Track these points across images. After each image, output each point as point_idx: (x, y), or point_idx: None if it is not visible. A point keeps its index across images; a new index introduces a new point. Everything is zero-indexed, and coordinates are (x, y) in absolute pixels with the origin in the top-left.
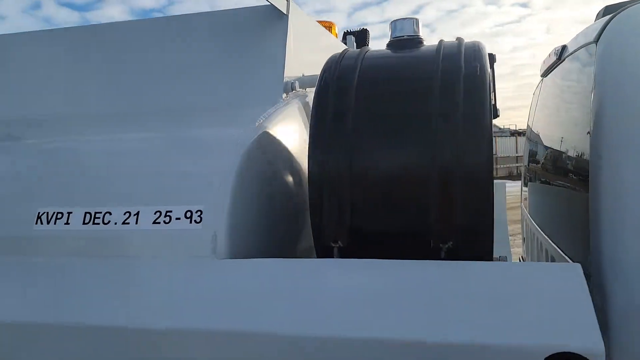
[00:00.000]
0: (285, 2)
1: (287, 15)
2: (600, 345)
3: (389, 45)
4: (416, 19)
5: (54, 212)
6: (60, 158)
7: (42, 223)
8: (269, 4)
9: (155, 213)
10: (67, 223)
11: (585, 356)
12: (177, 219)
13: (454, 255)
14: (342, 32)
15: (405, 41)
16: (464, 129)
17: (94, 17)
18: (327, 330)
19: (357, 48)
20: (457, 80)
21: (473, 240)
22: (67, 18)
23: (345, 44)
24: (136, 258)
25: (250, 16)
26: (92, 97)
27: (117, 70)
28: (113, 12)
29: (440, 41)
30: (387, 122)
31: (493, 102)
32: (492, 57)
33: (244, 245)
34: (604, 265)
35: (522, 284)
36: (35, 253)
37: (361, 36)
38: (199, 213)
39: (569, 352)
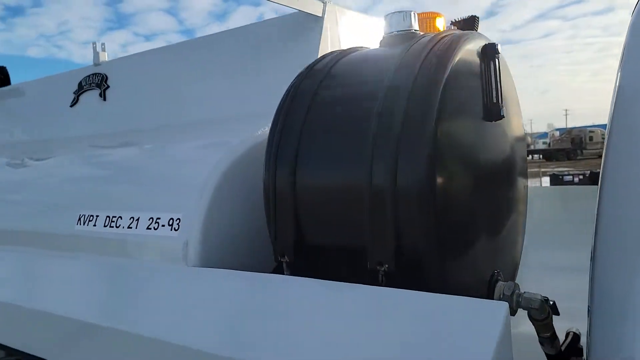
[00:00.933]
0: (322, 4)
1: (322, 18)
2: None
3: (380, 43)
4: (409, 12)
5: (87, 215)
6: (95, 168)
7: (81, 224)
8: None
9: (149, 219)
10: (94, 225)
11: None
12: (162, 225)
13: (395, 279)
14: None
15: (395, 37)
16: (401, 147)
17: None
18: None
19: None
20: (398, 97)
21: (414, 265)
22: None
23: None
24: (127, 260)
25: (292, 22)
26: (163, 111)
27: (183, 83)
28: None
29: (412, 42)
30: (327, 140)
31: (494, 101)
32: (492, 49)
33: (218, 255)
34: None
35: (428, 319)
36: (75, 249)
37: (468, 25)
38: (178, 221)
39: None
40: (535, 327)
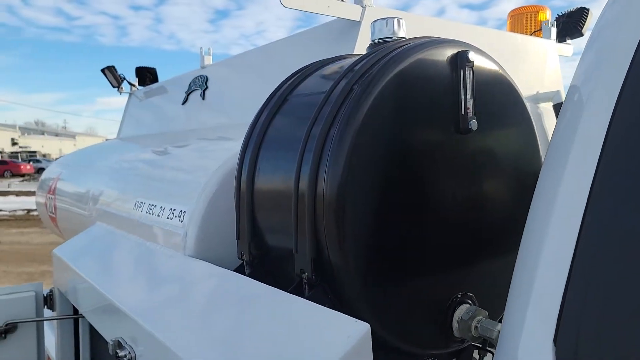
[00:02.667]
0: (361, 9)
1: (359, 22)
2: None
3: (366, 50)
4: (391, 20)
5: (140, 202)
6: (150, 160)
7: (136, 208)
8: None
9: (170, 209)
10: (141, 210)
11: None
12: (175, 217)
13: (318, 288)
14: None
15: (376, 45)
16: (324, 156)
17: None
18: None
19: (559, 35)
20: (331, 110)
21: (330, 275)
22: (467, 18)
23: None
24: (152, 247)
25: (336, 28)
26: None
27: (250, 86)
28: (505, 7)
29: (374, 50)
30: (277, 147)
31: (463, 112)
32: (463, 58)
33: (213, 248)
34: None
35: (290, 339)
36: (131, 229)
37: (575, 18)
38: (183, 214)
39: None
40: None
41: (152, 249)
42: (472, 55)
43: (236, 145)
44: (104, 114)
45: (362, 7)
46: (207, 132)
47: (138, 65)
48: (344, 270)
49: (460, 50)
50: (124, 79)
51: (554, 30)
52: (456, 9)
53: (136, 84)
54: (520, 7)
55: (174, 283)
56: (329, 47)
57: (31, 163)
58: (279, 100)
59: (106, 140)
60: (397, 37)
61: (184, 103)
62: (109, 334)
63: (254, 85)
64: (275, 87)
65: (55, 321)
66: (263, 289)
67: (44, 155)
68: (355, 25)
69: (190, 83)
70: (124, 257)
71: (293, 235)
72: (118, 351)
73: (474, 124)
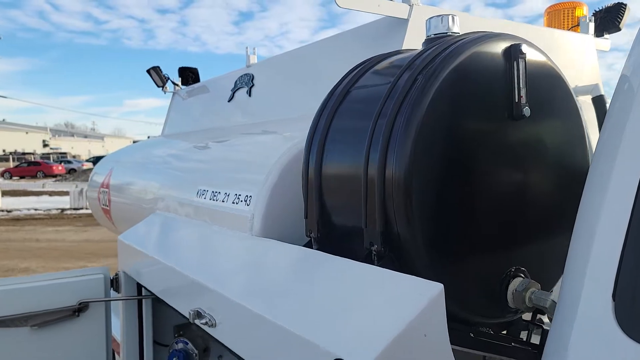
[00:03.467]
0: (409, 7)
1: (407, 20)
2: (371, 356)
3: (422, 45)
4: (445, 16)
5: (202, 189)
6: (208, 153)
7: (198, 196)
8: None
9: (235, 195)
10: (205, 197)
11: None
12: (241, 201)
13: (386, 259)
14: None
15: (432, 41)
16: (392, 142)
17: (515, 12)
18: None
19: (597, 30)
20: (397, 101)
21: (397, 245)
22: (493, 16)
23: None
24: (217, 229)
25: (383, 25)
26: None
27: (296, 83)
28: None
29: (432, 45)
30: (343, 136)
31: (516, 100)
32: (516, 50)
33: (277, 228)
34: None
35: (372, 297)
36: (194, 215)
37: (613, 13)
38: (249, 198)
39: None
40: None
41: (218, 230)
42: (524, 48)
43: (292, 137)
44: (131, 115)
45: (410, 5)
46: (255, 127)
47: (181, 66)
48: (411, 242)
49: (513, 43)
50: (168, 78)
51: (591, 26)
52: (482, 7)
53: (179, 83)
54: (558, 4)
55: (247, 257)
56: (376, 44)
57: (62, 164)
58: (342, 93)
59: (133, 142)
60: (452, 32)
61: (230, 100)
62: (184, 307)
63: (301, 82)
64: (330, 83)
65: (120, 303)
66: (336, 259)
67: (74, 156)
68: (403, 23)
69: (236, 81)
70: (190, 238)
71: (363, 212)
72: (197, 320)
73: (527, 111)
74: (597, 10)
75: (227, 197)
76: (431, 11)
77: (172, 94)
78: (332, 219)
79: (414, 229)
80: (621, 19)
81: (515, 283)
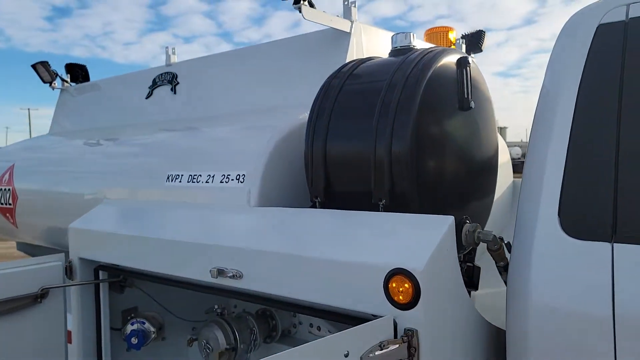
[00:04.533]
0: (350, 23)
1: (349, 34)
2: (420, 266)
3: (389, 54)
4: (408, 34)
5: (174, 174)
6: (179, 142)
7: (169, 181)
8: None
9: (221, 175)
10: (180, 181)
11: (410, 271)
12: (232, 180)
13: (389, 209)
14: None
15: (398, 51)
16: (394, 122)
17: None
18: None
19: (466, 51)
20: (394, 92)
21: (401, 200)
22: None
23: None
24: (209, 204)
25: (327, 36)
26: (222, 103)
27: (238, 82)
28: None
29: (408, 55)
30: (346, 118)
31: (465, 96)
32: (464, 61)
33: (271, 199)
34: None
35: (400, 228)
36: (165, 198)
37: (476, 38)
38: (243, 176)
39: (400, 268)
40: (493, 258)
41: (212, 205)
42: (470, 59)
43: (255, 126)
44: None
45: (351, 22)
46: (198, 121)
47: (68, 63)
48: (410, 197)
49: (462, 55)
50: (57, 74)
51: (464, 47)
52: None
53: (68, 80)
54: (434, 27)
55: (262, 221)
56: (322, 50)
57: None
58: (341, 81)
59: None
60: (412, 45)
61: (148, 97)
62: (193, 271)
63: (240, 81)
64: (273, 80)
65: (74, 291)
66: (348, 212)
67: None
68: (346, 35)
69: (155, 79)
70: (180, 215)
71: (372, 177)
72: (219, 277)
73: (472, 104)
74: (463, 34)
75: (211, 178)
76: (370, 30)
77: (60, 90)
78: (338, 186)
79: (413, 188)
80: (482, 43)
81: (467, 226)
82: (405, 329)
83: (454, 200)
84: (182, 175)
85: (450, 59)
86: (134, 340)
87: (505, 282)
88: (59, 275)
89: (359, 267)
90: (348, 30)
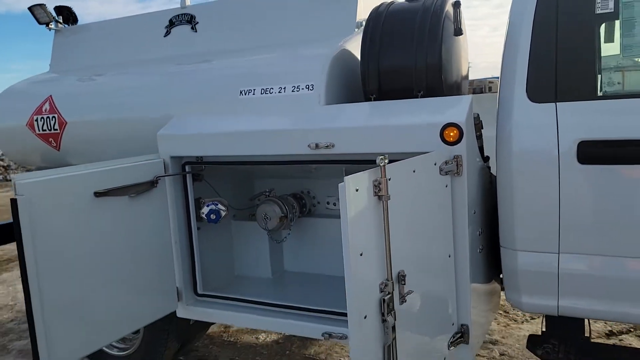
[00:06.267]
0: None
1: None
2: (461, 118)
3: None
4: None
5: (246, 89)
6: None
7: (243, 94)
8: None
9: (292, 86)
10: (253, 94)
11: (457, 123)
12: (302, 89)
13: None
14: None
15: None
16: (425, 43)
17: None
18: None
19: None
20: (425, 18)
21: (431, 92)
22: None
23: None
24: (287, 108)
25: None
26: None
27: (261, 20)
28: None
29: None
30: (393, 39)
31: (458, 25)
32: (457, 3)
33: (333, 100)
34: None
35: (441, 103)
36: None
37: None
38: (312, 85)
39: (451, 122)
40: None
41: (285, 106)
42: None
43: (311, 50)
44: None
45: None
46: (230, 53)
47: (57, 5)
48: (439, 89)
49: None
50: (54, 17)
51: None
52: None
53: (61, 21)
54: None
55: (333, 111)
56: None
57: None
58: (382, 16)
59: None
60: None
61: (166, 35)
62: (296, 148)
63: (261, 20)
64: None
65: (173, 180)
66: (404, 100)
67: None
68: None
69: (172, 19)
70: (265, 114)
71: (413, 77)
72: (316, 149)
73: (461, 31)
74: None
75: (283, 89)
76: None
77: (54, 31)
78: (388, 85)
79: (440, 83)
80: None
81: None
82: (454, 155)
83: (457, 89)
84: (254, 89)
85: (449, 3)
86: (212, 217)
87: None
88: (162, 169)
89: (424, 126)
90: None
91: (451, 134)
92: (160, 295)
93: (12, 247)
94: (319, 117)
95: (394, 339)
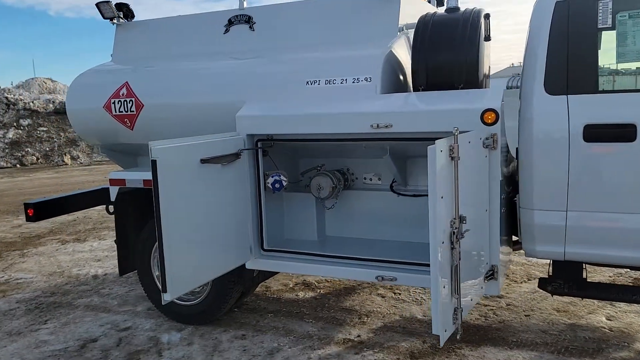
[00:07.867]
0: None
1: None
2: (497, 105)
3: (445, 10)
4: None
5: (312, 80)
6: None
7: (309, 84)
8: None
9: (353, 78)
10: (318, 84)
11: (495, 108)
12: (362, 80)
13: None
14: None
15: (452, 9)
16: (466, 46)
17: None
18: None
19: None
20: (465, 26)
21: (470, 85)
22: None
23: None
24: (348, 97)
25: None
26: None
27: (314, 24)
28: None
29: (464, 10)
30: (439, 44)
31: (488, 34)
32: (487, 15)
33: (386, 90)
34: None
35: (479, 93)
36: (306, 96)
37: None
38: (370, 78)
39: (490, 108)
40: None
41: (347, 96)
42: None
43: (364, 49)
44: None
45: None
46: (287, 49)
47: (118, 2)
48: (476, 84)
49: (486, 12)
50: (118, 13)
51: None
52: None
53: (121, 16)
54: None
55: (390, 99)
56: (372, 9)
57: None
58: (428, 23)
59: None
60: (457, 7)
61: (225, 33)
62: (359, 127)
63: (314, 24)
64: (325, 28)
65: (248, 154)
66: (449, 90)
67: None
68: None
69: (231, 19)
70: (328, 101)
71: (455, 73)
72: (377, 128)
73: (491, 37)
74: None
75: (344, 81)
76: None
77: (116, 25)
78: (434, 79)
79: (477, 78)
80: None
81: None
82: (492, 133)
83: (485, 83)
84: (319, 80)
85: (482, 13)
86: (277, 186)
87: None
88: (243, 144)
89: (469, 110)
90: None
91: (490, 116)
92: (237, 249)
93: (36, 225)
94: (378, 103)
95: (459, 261)
